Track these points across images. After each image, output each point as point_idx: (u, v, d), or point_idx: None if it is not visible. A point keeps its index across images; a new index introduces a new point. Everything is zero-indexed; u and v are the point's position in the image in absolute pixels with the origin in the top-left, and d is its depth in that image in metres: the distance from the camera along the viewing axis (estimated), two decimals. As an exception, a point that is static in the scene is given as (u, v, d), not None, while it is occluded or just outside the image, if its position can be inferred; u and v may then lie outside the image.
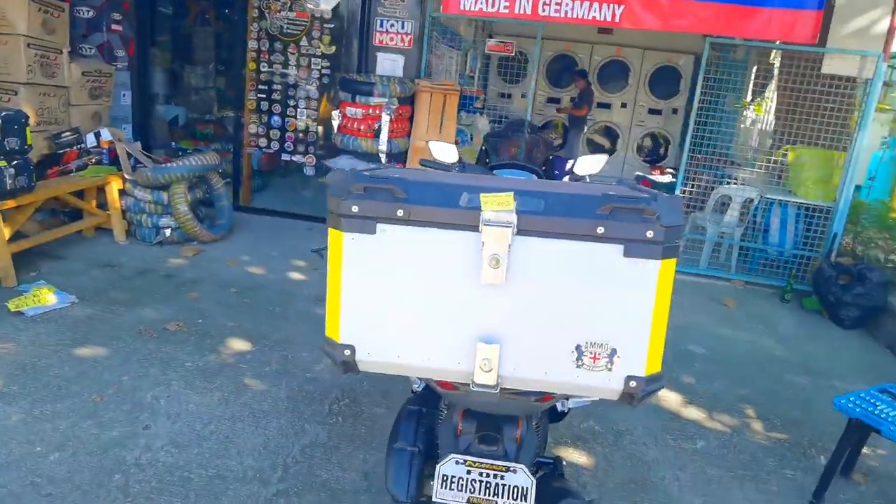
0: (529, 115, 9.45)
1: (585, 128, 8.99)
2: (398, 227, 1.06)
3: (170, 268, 4.34)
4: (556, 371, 1.08)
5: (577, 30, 8.06)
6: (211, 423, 2.68)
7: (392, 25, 5.22)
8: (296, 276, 4.49)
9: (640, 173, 8.91)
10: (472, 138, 6.32)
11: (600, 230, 1.03)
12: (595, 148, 9.75)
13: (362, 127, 4.92)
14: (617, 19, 4.25)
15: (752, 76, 7.79)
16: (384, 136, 4.90)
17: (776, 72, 7.01)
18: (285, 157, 5.62)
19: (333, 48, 5.33)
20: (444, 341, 1.09)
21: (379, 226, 1.06)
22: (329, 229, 1.11)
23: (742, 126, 7.98)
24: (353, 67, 5.35)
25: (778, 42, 5.16)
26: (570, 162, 3.01)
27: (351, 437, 2.72)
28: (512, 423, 1.62)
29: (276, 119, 5.51)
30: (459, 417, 1.65)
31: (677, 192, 5.68)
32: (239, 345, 3.38)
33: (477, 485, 1.54)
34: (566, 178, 3.01)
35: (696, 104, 5.38)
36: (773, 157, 5.76)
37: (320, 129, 5.63)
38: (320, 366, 3.27)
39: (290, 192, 6.43)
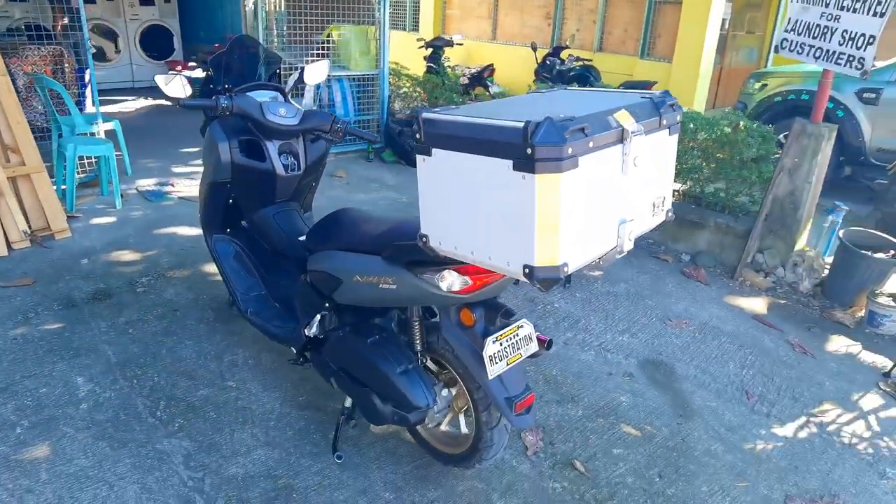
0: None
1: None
2: (588, 157, 1.31)
3: None
4: (645, 224, 1.59)
5: None
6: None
7: None
8: None
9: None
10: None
11: (664, 122, 1.53)
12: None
13: None
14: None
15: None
16: None
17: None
18: None
19: None
20: (607, 230, 1.44)
21: (580, 159, 1.29)
22: (536, 176, 1.26)
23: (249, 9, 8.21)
24: None
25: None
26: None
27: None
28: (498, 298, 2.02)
29: None
30: (463, 314, 1.94)
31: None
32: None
33: (509, 349, 1.93)
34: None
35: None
36: (320, 38, 6.39)
37: None
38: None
39: None
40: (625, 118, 1.41)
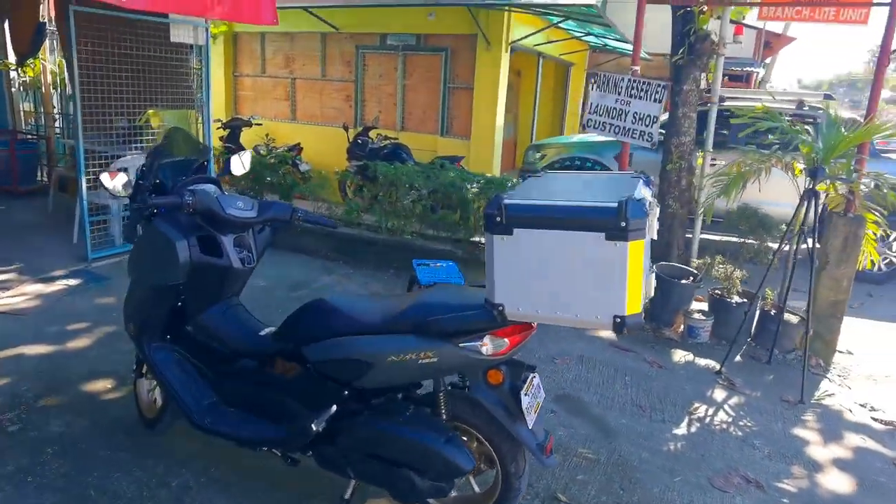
0: None
1: None
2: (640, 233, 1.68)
3: None
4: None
5: None
6: None
7: None
8: None
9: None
10: None
11: (653, 194, 1.99)
12: None
13: None
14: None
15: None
16: None
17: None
18: None
19: None
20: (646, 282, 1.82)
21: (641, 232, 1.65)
22: (629, 243, 1.58)
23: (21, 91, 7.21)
24: None
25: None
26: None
27: None
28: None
29: None
30: (493, 375, 2.13)
31: (81, 175, 5.16)
32: None
33: (533, 399, 2.19)
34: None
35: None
36: (130, 124, 5.92)
37: None
38: None
39: None
40: (648, 194, 1.83)
